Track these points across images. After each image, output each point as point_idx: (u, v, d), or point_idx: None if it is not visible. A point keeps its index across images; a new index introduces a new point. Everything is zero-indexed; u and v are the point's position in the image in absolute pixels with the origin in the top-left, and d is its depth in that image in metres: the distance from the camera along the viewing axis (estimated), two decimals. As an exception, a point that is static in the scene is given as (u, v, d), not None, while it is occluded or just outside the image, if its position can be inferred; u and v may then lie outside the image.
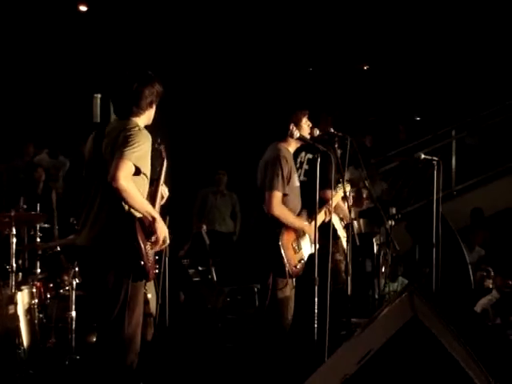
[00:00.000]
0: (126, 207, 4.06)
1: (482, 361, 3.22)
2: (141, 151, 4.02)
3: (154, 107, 4.35)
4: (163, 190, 4.44)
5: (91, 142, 4.31)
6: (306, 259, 5.20)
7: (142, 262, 4.04)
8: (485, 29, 12.26)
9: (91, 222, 4.16)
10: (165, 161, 4.47)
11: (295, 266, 5.10)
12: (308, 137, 5.26)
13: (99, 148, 4.17)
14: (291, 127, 5.21)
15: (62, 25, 11.59)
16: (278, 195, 5.05)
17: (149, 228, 4.10)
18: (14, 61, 12.10)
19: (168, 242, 4.23)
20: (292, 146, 5.31)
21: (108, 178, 3.92)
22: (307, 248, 5.22)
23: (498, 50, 12.60)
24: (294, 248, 5.14)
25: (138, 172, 4.02)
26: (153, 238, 4.11)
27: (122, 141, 4.03)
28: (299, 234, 5.21)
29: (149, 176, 4.19)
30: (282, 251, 5.02)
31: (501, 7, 11.67)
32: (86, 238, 4.16)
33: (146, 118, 4.31)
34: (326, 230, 5.07)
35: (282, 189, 5.08)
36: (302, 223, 5.20)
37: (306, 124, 5.29)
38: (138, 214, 4.09)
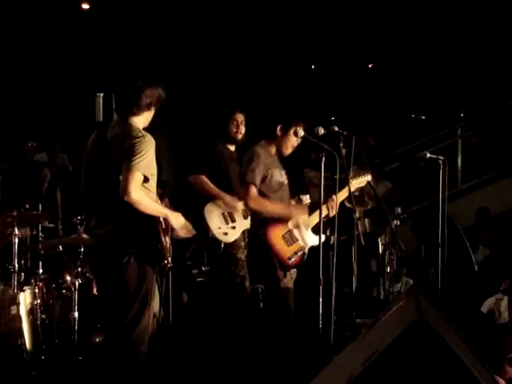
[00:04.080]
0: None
1: (488, 361, 3.18)
2: (146, 159, 4.20)
3: (153, 110, 4.49)
4: None
5: (93, 146, 4.44)
6: (306, 250, 5.21)
7: (166, 261, 4.29)
8: (491, 26, 12.22)
9: (107, 221, 4.29)
10: None
11: (289, 259, 5.10)
12: (291, 147, 5.28)
13: (104, 156, 4.30)
14: (279, 129, 5.27)
15: (64, 23, 11.58)
16: (252, 188, 5.12)
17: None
18: (15, 59, 12.08)
19: (191, 227, 4.52)
20: (283, 146, 5.32)
21: (119, 193, 4.14)
22: (310, 239, 5.26)
23: (504, 49, 12.56)
24: (285, 240, 5.14)
25: (146, 179, 4.23)
26: (172, 232, 4.36)
27: (128, 150, 4.20)
28: (294, 224, 5.23)
29: (155, 173, 4.36)
30: (271, 246, 5.07)
31: (506, 5, 11.63)
32: (106, 236, 4.28)
33: (143, 118, 4.43)
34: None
35: (257, 182, 5.14)
36: (284, 208, 5.23)
37: (293, 134, 5.26)
38: None
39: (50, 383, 5.37)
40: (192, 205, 5.96)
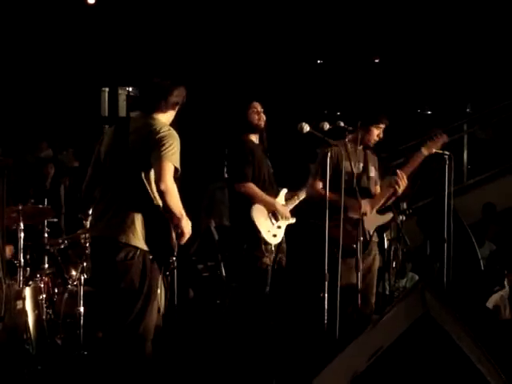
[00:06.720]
0: (156, 203, 4.24)
1: (494, 357, 3.17)
2: (177, 152, 4.21)
3: (175, 111, 4.48)
4: None
5: (111, 136, 4.41)
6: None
7: (174, 258, 4.28)
8: (498, 21, 12.19)
9: (115, 214, 4.27)
10: None
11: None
12: None
13: (124, 144, 4.28)
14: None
15: (69, 18, 11.59)
16: None
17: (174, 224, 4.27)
18: (21, 55, 12.11)
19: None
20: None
21: (155, 180, 4.14)
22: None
23: (510, 44, 12.53)
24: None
25: (176, 172, 4.20)
26: (179, 235, 4.28)
27: (156, 142, 4.19)
28: None
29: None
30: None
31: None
32: (111, 228, 4.26)
33: (167, 117, 4.44)
34: None
35: None
36: None
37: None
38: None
39: (56, 378, 5.37)
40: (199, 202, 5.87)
